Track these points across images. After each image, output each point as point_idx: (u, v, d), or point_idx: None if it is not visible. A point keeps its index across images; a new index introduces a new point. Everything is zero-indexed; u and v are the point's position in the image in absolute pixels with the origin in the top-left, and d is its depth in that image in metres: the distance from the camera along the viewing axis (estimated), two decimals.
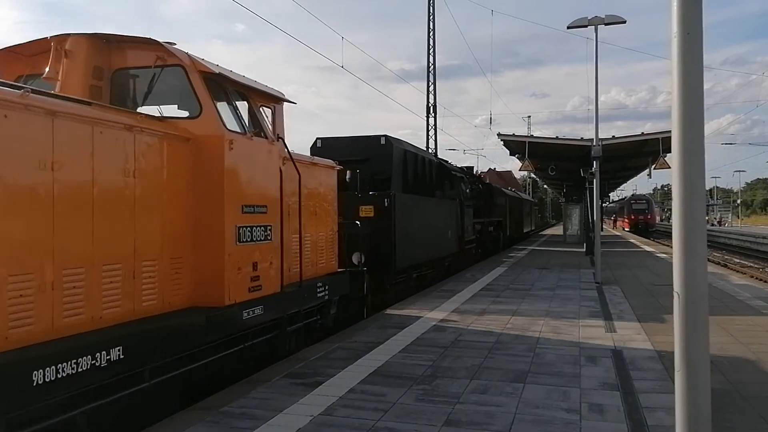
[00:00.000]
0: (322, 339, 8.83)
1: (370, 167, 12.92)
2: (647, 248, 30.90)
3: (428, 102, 35.83)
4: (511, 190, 41.26)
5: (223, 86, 7.07)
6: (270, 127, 7.98)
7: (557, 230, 53.40)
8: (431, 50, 35.38)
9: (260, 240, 7.18)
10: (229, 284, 6.57)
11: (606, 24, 16.35)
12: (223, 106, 6.97)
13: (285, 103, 8.49)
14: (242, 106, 7.46)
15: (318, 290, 8.88)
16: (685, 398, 2.84)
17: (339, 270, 10.16)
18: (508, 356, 7.76)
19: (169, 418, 5.59)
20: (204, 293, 6.50)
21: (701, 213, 2.94)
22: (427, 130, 35.91)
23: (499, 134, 26.95)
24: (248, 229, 6.95)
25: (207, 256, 6.50)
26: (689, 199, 2.89)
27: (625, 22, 16.52)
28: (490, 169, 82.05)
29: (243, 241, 6.82)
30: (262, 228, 7.25)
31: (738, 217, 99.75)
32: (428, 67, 35.61)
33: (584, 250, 26.05)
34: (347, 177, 12.32)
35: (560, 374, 6.89)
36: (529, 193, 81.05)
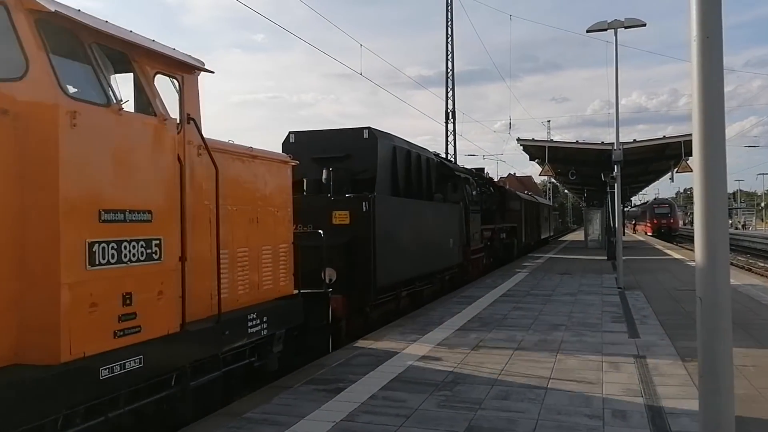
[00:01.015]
0: (264, 385, 6.97)
1: (351, 165, 11.19)
2: (670, 253, 30.53)
3: (447, 108, 35.87)
4: (527, 193, 39.36)
5: (78, 38, 4.95)
6: (161, 103, 5.67)
7: (578, 235, 52.87)
8: (450, 56, 35.43)
9: (138, 261, 5.09)
10: (71, 329, 4.46)
11: (626, 27, 16.25)
12: (71, 66, 4.94)
13: (200, 72, 6.36)
14: (127, 76, 5.62)
15: (250, 324, 6.76)
16: (709, 404, 2.83)
17: (295, 293, 8.08)
18: (530, 362, 7.72)
19: (192, 424, 5.65)
20: (31, 343, 4.39)
21: (723, 217, 2.93)
22: (446, 136, 35.94)
23: (518, 139, 26.87)
24: (112, 245, 4.85)
25: (35, 287, 4.41)
26: (711, 203, 2.88)
27: (645, 25, 16.41)
28: (509, 174, 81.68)
29: (101, 264, 4.72)
30: (142, 243, 5.16)
31: (762, 220, 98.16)
32: (447, 72, 35.67)
33: (606, 255, 25.82)
34: (323, 177, 10.82)
35: (582, 380, 6.84)
36: (549, 198, 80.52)
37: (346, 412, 5.78)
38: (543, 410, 5.79)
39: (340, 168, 10.91)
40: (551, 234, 51.32)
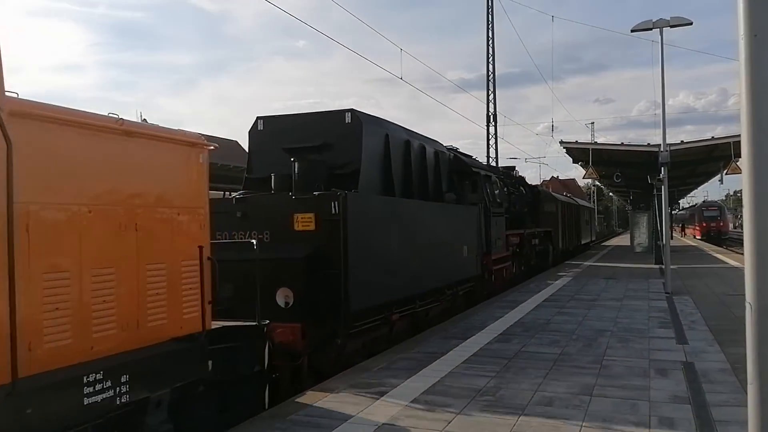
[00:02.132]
0: None
1: (330, 157, 9.08)
2: (720, 256, 29.67)
3: (488, 111, 35.69)
4: (566, 195, 37.27)
5: None
6: None
7: (623, 239, 51.74)
8: (491, 58, 35.25)
9: None
10: None
11: (671, 26, 15.92)
12: None
13: None
14: None
15: (90, 389, 4.51)
16: (759, 412, 2.76)
17: (216, 327, 6.00)
18: (574, 368, 7.62)
19: (239, 425, 5.76)
20: None
21: None
22: (488, 139, 35.75)
23: (561, 142, 26.55)
24: None
25: None
26: (761, 205, 2.81)
27: (691, 23, 16.04)
28: (552, 177, 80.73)
29: None
30: None
31: None
32: (488, 75, 35.49)
33: (653, 259, 25.23)
34: (294, 172, 8.69)
35: (629, 387, 6.72)
36: (593, 202, 79.18)
37: (388, 416, 5.79)
38: (587, 417, 5.71)
39: (316, 160, 8.92)
40: (593, 239, 47.03)
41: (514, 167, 24.35)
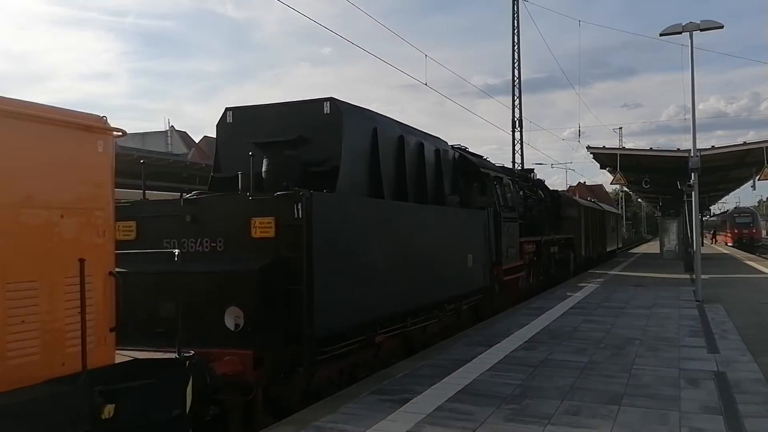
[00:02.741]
0: None
1: (307, 152, 7.94)
2: (752, 264, 29.06)
3: (514, 116, 35.53)
4: (590, 200, 36.25)
5: None
6: None
7: (652, 246, 50.92)
8: (516, 63, 35.12)
9: None
10: None
11: (701, 30, 15.64)
12: None
13: None
14: None
15: None
16: None
17: (122, 361, 4.96)
18: (602, 377, 7.50)
19: (264, 430, 5.78)
20: None
21: None
22: (513, 145, 35.59)
23: (588, 147, 26.26)
24: None
25: None
26: None
27: (722, 27, 15.76)
28: (579, 182, 79.93)
29: None
30: None
31: None
32: (513, 80, 35.35)
33: (683, 267, 24.73)
34: (263, 170, 7.72)
35: (658, 396, 6.59)
36: (621, 208, 78.15)
37: (412, 423, 5.76)
38: (616, 427, 5.61)
39: (289, 156, 7.85)
40: (619, 246, 44.76)
41: (533, 170, 22.95)
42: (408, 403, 6.41)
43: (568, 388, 6.98)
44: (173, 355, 5.13)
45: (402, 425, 5.72)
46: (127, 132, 5.30)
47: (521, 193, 17.17)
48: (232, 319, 6.30)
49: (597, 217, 31.42)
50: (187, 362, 5.22)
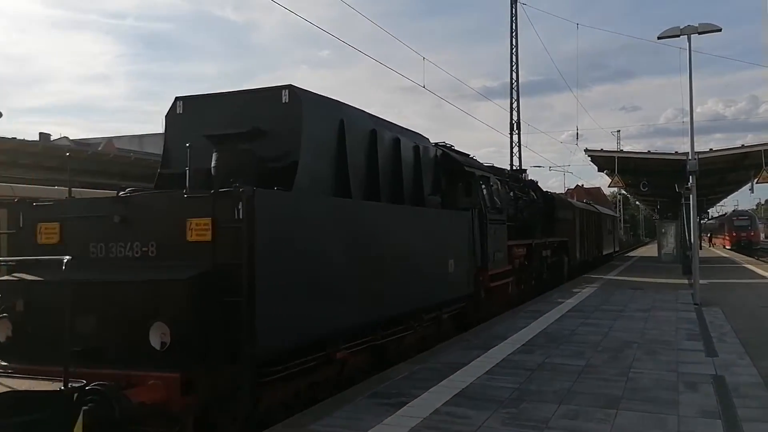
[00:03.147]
0: None
1: (264, 146, 7.03)
2: (751, 267, 29.06)
3: (512, 119, 35.50)
4: (586, 202, 35.22)
5: None
6: None
7: (650, 249, 50.88)
8: (514, 66, 35.12)
9: None
10: None
11: (699, 33, 15.63)
12: None
13: None
14: None
15: None
16: None
17: None
18: (600, 381, 7.46)
19: None
20: None
21: None
22: (511, 148, 35.56)
23: (586, 150, 26.28)
24: None
25: None
26: None
27: (720, 30, 15.74)
28: (577, 185, 79.96)
29: None
30: None
31: None
32: (511, 83, 35.33)
33: (681, 270, 24.70)
34: (212, 165, 6.89)
35: (656, 400, 6.55)
36: (619, 210, 78.15)
37: (408, 427, 5.71)
38: (614, 431, 5.57)
39: (242, 150, 6.99)
40: (616, 249, 43.43)
41: (525, 170, 22.39)
42: (404, 407, 6.36)
43: (566, 391, 6.93)
44: (61, 386, 4.39)
45: (398, 429, 5.67)
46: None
47: (512, 194, 16.44)
48: (157, 336, 5.39)
49: (593, 220, 30.61)
50: (76, 394, 4.44)
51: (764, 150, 21.10)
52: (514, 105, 35.40)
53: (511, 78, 35.21)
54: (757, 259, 38.98)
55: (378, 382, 7.46)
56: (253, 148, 7.01)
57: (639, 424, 5.74)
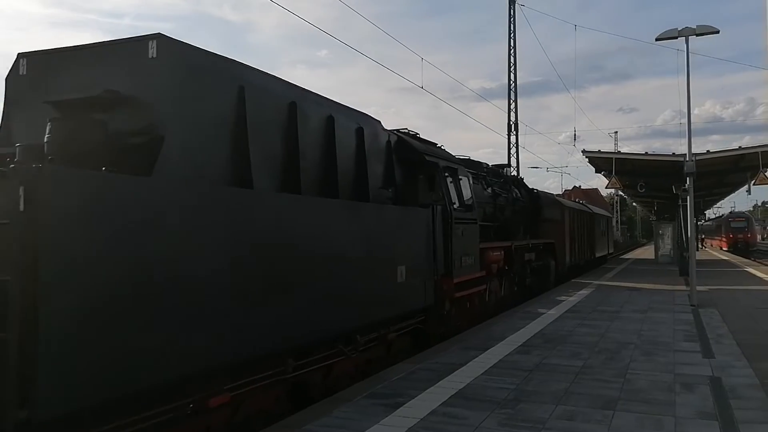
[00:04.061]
0: None
1: (122, 115, 5.40)
2: (748, 269, 29.10)
3: (509, 120, 35.48)
4: (578, 201, 34.01)
5: None
6: None
7: (647, 250, 50.91)
8: (512, 67, 35.10)
9: None
10: None
11: (697, 35, 15.63)
12: None
13: None
14: None
15: None
16: None
17: None
18: (597, 382, 7.46)
19: None
20: None
21: None
22: (509, 148, 35.53)
23: (583, 151, 26.26)
24: None
25: None
26: None
27: (718, 32, 15.76)
28: (575, 186, 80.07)
29: None
30: None
31: None
32: (509, 84, 35.32)
33: (679, 275, 24.59)
34: (45, 139, 5.07)
35: (653, 401, 6.56)
36: (616, 212, 78.21)
37: (405, 428, 5.71)
38: None
39: (89, 121, 5.27)
40: (610, 251, 41.08)
41: (508, 165, 19.50)
42: (402, 407, 6.36)
43: (563, 392, 6.94)
44: None
45: (395, 430, 5.67)
46: None
47: (489, 190, 14.89)
48: None
49: (585, 220, 28.82)
50: None
51: (761, 152, 21.13)
52: (512, 106, 35.39)
53: (509, 79, 35.22)
54: (754, 260, 39.09)
55: (375, 382, 7.46)
56: (109, 118, 5.30)
57: (636, 426, 5.75)
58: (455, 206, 10.94)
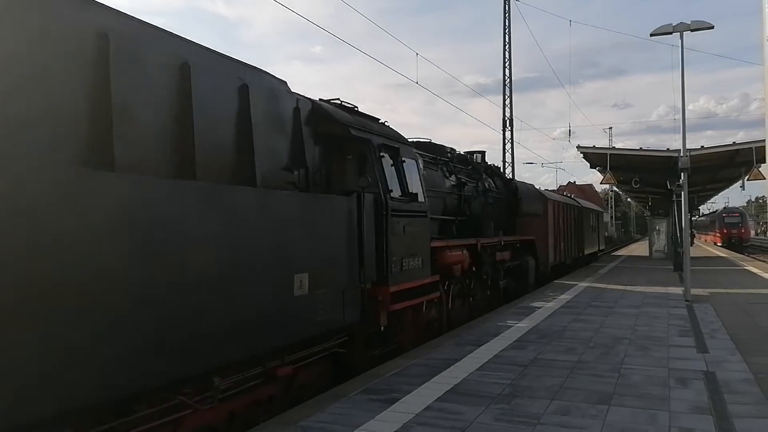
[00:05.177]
0: None
1: None
2: (741, 264, 29.22)
3: (504, 115, 35.50)
4: (566, 195, 32.44)
5: None
6: None
7: (640, 247, 50.99)
8: (507, 63, 35.10)
9: None
10: None
11: (692, 30, 15.68)
12: None
13: None
14: None
15: None
16: None
17: None
18: (591, 377, 7.47)
19: (249, 431, 5.70)
20: None
21: None
22: (504, 144, 35.56)
23: (578, 147, 26.35)
24: None
25: None
26: None
27: (712, 27, 15.80)
28: (569, 182, 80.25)
29: None
30: None
31: None
32: (504, 80, 35.32)
33: (676, 277, 24.46)
34: None
35: (648, 396, 6.57)
36: (611, 207, 78.37)
37: (401, 423, 5.71)
38: (605, 427, 5.58)
39: None
40: (601, 248, 38.35)
41: (483, 152, 16.33)
42: (397, 403, 6.36)
43: (558, 387, 6.95)
44: None
45: (390, 425, 5.66)
46: None
47: (453, 178, 12.99)
48: None
49: (572, 215, 26.54)
50: None
51: (755, 147, 21.19)
52: (507, 101, 35.42)
53: (504, 74, 35.23)
54: (747, 256, 39.25)
55: (370, 378, 7.45)
56: None
57: (630, 420, 5.76)
58: (393, 195, 8.62)
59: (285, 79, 7.24)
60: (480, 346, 9.36)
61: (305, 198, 7.03)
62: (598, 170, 27.13)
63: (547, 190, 29.64)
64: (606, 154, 25.41)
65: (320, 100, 8.41)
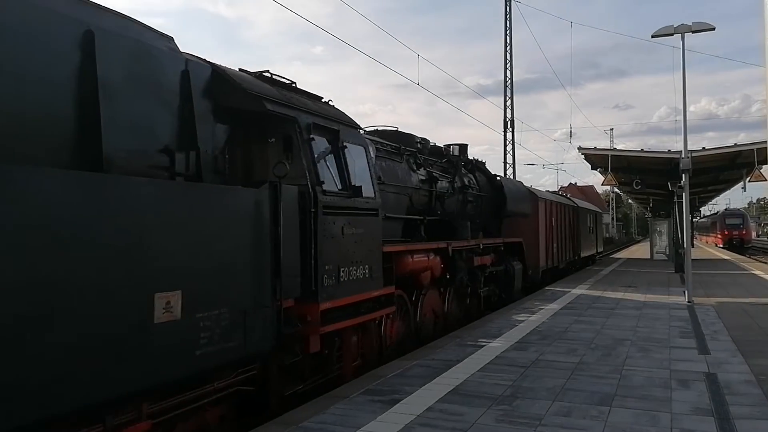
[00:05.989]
0: None
1: None
2: (743, 265, 29.19)
3: (505, 116, 35.51)
4: (562, 194, 31.16)
5: None
6: None
7: (641, 248, 50.92)
8: (508, 64, 35.11)
9: None
10: None
11: (693, 32, 15.64)
12: None
13: None
14: None
15: None
16: None
17: None
18: (593, 378, 7.47)
19: (250, 431, 5.70)
20: None
21: None
22: (505, 145, 35.57)
23: (579, 148, 26.30)
24: None
25: None
26: None
27: (713, 29, 15.77)
28: (570, 183, 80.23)
29: None
30: None
31: None
32: (505, 81, 35.32)
33: (677, 278, 24.32)
34: None
35: (649, 398, 6.57)
36: (612, 209, 78.37)
37: (402, 424, 5.70)
38: (607, 428, 5.58)
39: None
40: (599, 250, 36.06)
41: (466, 145, 14.60)
42: (398, 404, 6.36)
43: (559, 388, 6.94)
44: None
45: (392, 426, 5.66)
46: None
47: (422, 172, 11.44)
48: None
49: (567, 216, 24.95)
50: None
51: (757, 149, 21.17)
52: (508, 103, 35.43)
53: (505, 76, 35.23)
54: (749, 257, 39.22)
55: (371, 379, 7.45)
56: None
57: (632, 422, 5.75)
58: (327, 188, 6.93)
59: (172, 35, 5.59)
60: (481, 347, 9.35)
61: (178, 189, 5.18)
62: (600, 171, 27.07)
63: (548, 190, 29.50)
64: (607, 155, 25.35)
65: (240, 70, 6.68)
